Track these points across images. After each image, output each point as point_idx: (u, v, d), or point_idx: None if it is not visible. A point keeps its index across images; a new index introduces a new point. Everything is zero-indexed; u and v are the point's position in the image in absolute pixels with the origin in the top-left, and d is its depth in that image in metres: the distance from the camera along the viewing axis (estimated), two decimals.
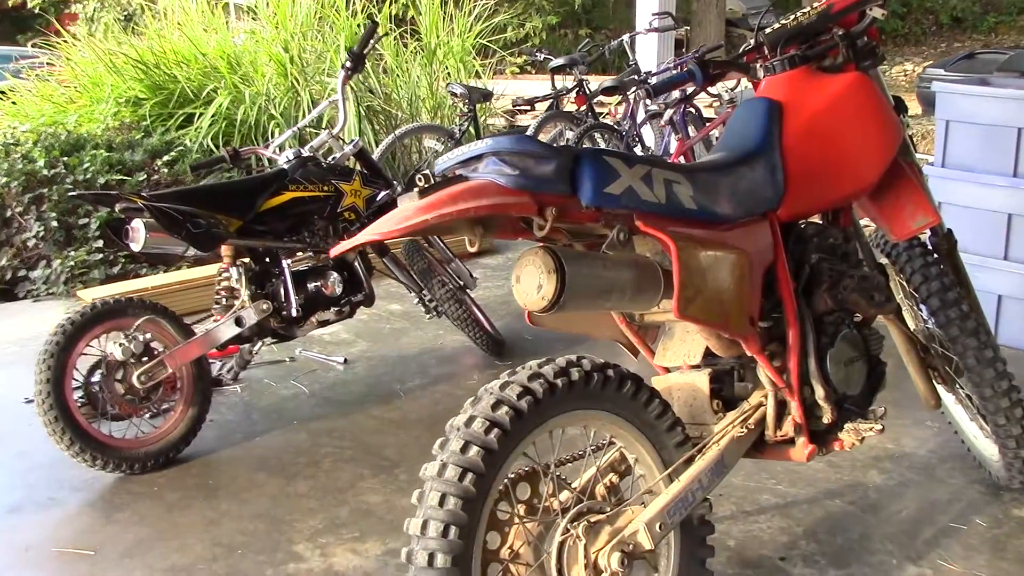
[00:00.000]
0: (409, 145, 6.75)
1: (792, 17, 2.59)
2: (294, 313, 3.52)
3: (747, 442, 2.27)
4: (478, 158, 1.89)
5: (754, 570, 2.64)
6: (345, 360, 4.23)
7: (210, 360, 3.62)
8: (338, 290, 3.65)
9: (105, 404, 3.21)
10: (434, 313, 4.03)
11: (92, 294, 4.64)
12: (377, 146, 6.16)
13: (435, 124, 6.83)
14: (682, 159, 5.92)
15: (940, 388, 3.03)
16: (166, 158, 5.82)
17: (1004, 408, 2.74)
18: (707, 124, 6.18)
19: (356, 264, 3.76)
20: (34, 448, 3.37)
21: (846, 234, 2.54)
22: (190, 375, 3.36)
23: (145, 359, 3.25)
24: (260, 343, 3.68)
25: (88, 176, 5.48)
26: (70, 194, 5.00)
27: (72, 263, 5.13)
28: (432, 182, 1.83)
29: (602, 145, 6.34)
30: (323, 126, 5.51)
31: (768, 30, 2.59)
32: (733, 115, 2.54)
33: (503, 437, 1.87)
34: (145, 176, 5.65)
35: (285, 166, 3.69)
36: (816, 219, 2.57)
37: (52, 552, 2.80)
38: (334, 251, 2.03)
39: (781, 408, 2.31)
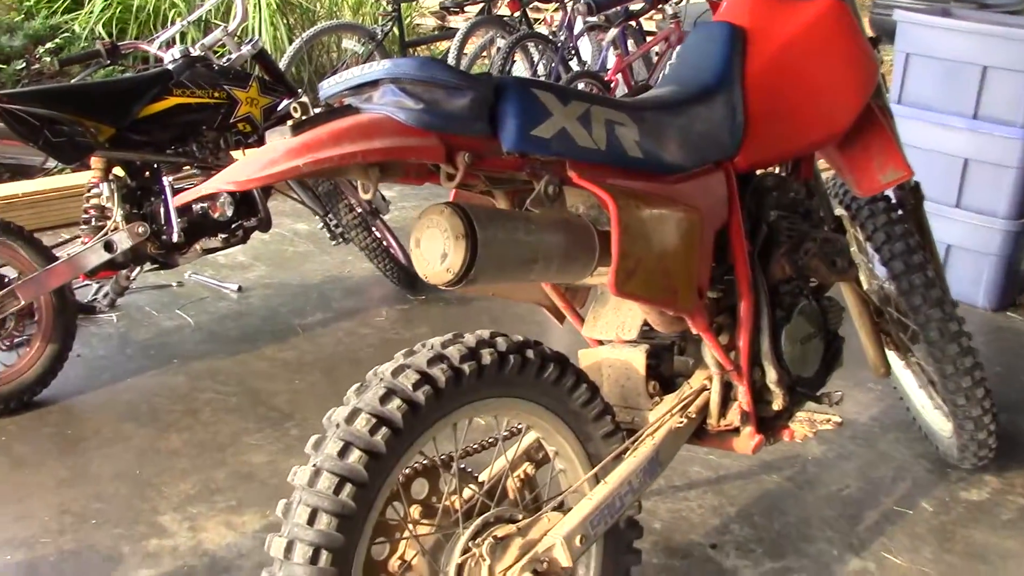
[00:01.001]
0: (326, 44, 6.20)
1: None
2: (175, 239, 3.07)
3: (686, 434, 1.95)
4: (373, 85, 1.48)
5: (682, 559, 2.35)
6: (239, 288, 3.80)
7: (84, 282, 3.17)
8: (228, 213, 3.20)
9: None
10: (340, 240, 3.62)
11: None
12: (291, 45, 5.62)
13: (355, 23, 6.28)
14: (620, 77, 5.52)
15: (890, 354, 2.76)
16: (49, 45, 5.20)
17: (965, 388, 2.46)
18: (648, 40, 5.77)
19: None
20: None
21: (808, 187, 2.20)
22: (49, 305, 2.92)
23: None
24: (138, 269, 3.23)
25: None
26: None
27: None
28: (309, 113, 1.42)
29: (535, 57, 5.89)
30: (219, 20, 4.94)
31: None
32: (686, 42, 2.16)
33: (393, 438, 1.50)
34: (24, 65, 5.05)
35: (170, 66, 3.20)
36: (774, 169, 2.23)
37: None
38: (176, 200, 1.60)
39: (726, 392, 1.98)
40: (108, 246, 2.97)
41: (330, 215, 3.57)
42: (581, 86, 5.55)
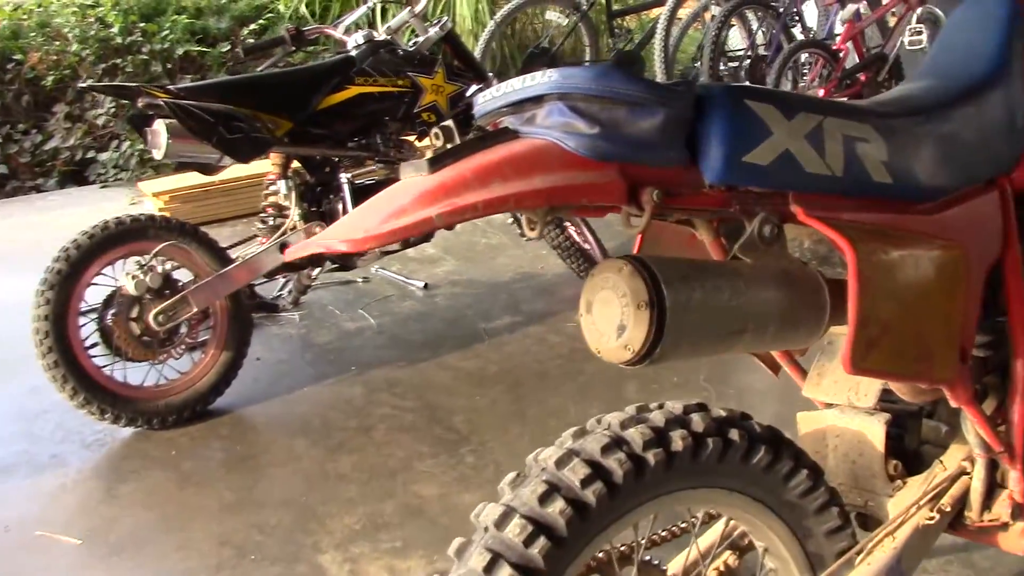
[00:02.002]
0: (529, 18, 5.91)
1: None
2: None
3: (938, 532, 1.52)
4: (536, 101, 1.15)
5: None
6: (425, 285, 3.59)
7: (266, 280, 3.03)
8: None
9: (120, 345, 2.66)
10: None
11: (153, 187, 4.11)
12: (492, 18, 5.35)
13: None
14: (850, 46, 4.93)
15: None
16: (253, 27, 5.16)
17: None
18: (884, 3, 5.12)
19: None
20: (50, 385, 2.86)
21: None
22: (225, 311, 2.78)
23: (167, 292, 2.67)
24: (318, 269, 3.06)
25: (166, 45, 4.89)
26: (79, 86, 4.36)
27: (142, 146, 4.60)
28: (453, 140, 1.11)
29: (753, 25, 5.35)
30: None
31: None
32: (950, 21, 1.69)
33: (552, 550, 1.18)
34: (229, 47, 5.03)
35: (353, 53, 2.99)
36: None
37: (33, 536, 2.30)
38: (287, 254, 1.32)
39: (991, 477, 1.54)
40: (284, 248, 2.80)
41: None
42: (804, 57, 5.01)
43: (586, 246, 3.41)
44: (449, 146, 1.11)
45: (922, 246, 1.33)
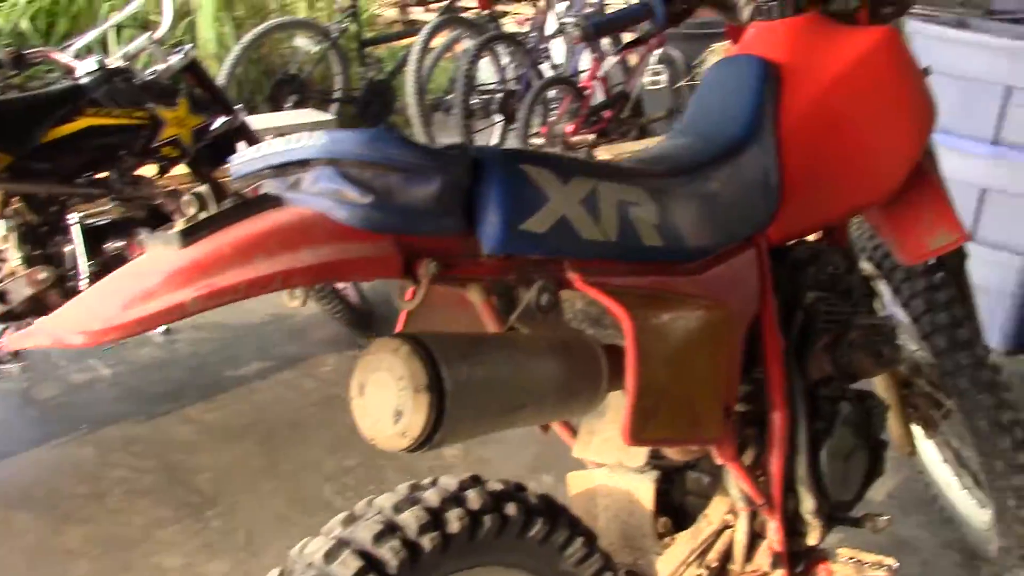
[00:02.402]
0: (276, 44, 5.71)
1: None
2: (83, 286, 2.61)
3: None
4: (302, 164, 1.04)
5: None
6: (166, 330, 3.33)
7: None
8: None
9: None
10: None
11: None
12: (237, 43, 5.13)
13: (307, 20, 5.79)
14: (597, 84, 5.10)
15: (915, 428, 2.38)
16: None
17: (1017, 487, 2.07)
18: (627, 44, 5.33)
19: (176, 215, 2.85)
20: None
21: (848, 258, 1.78)
22: None
23: None
24: (43, 316, 2.76)
25: None
26: None
27: None
28: (208, 209, 0.99)
29: (503, 60, 5.43)
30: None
31: None
32: (705, 80, 1.73)
33: None
34: None
35: (83, 81, 2.73)
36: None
37: None
38: (8, 343, 1.13)
39: (752, 528, 1.58)
40: (2, 296, 2.50)
41: None
42: (553, 93, 5.13)
43: (341, 286, 3.29)
44: (204, 215, 0.99)
45: (690, 307, 1.34)
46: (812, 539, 1.61)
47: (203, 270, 0.93)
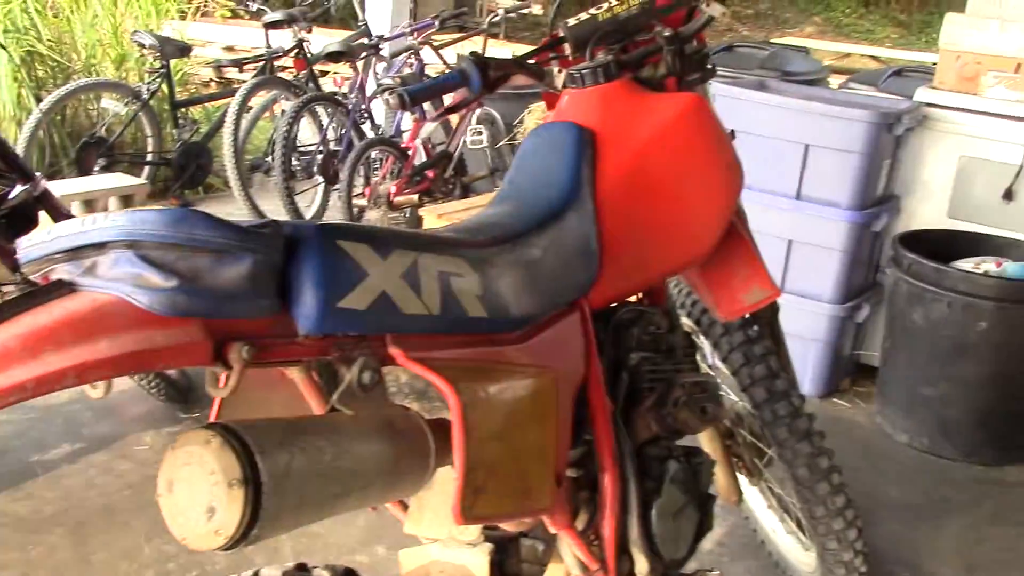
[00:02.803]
0: (83, 104, 5.46)
1: (604, 6, 1.83)
2: None
3: None
4: (99, 247, 0.97)
5: None
6: None
7: None
8: None
9: None
10: None
11: None
12: (38, 105, 4.88)
13: (116, 81, 5.57)
14: (419, 145, 5.11)
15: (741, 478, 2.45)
16: None
17: (837, 530, 2.15)
18: (447, 108, 5.38)
19: None
20: None
21: (669, 317, 1.82)
22: None
23: None
24: None
25: None
26: None
27: None
28: None
29: (324, 120, 5.37)
30: None
31: (572, 21, 1.82)
32: (523, 147, 1.75)
33: None
34: None
35: None
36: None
37: None
38: None
39: None
40: None
41: None
42: (375, 154, 5.11)
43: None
44: None
45: (517, 377, 1.32)
46: None
47: None
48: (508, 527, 1.47)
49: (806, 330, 3.66)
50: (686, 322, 2.33)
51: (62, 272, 0.98)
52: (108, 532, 2.54)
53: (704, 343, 2.32)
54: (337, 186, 5.03)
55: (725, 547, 2.74)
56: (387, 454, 1.12)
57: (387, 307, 1.13)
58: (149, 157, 5.39)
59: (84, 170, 4.98)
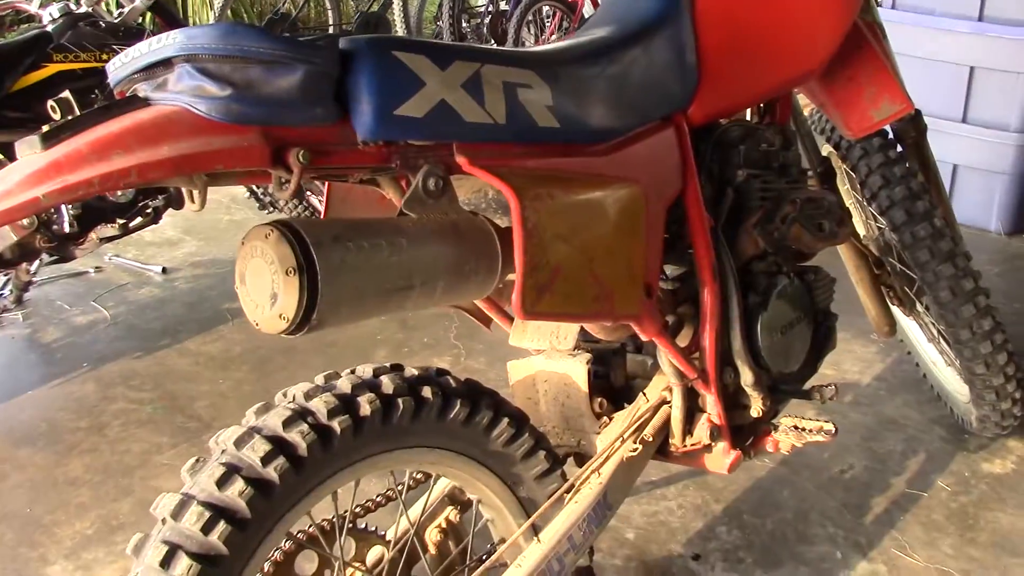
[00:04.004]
0: None
1: None
2: (67, 229, 2.68)
3: (643, 463, 1.57)
4: (166, 65, 1.07)
5: None
6: (164, 269, 3.41)
7: None
8: (128, 194, 2.80)
9: None
10: (270, 208, 3.23)
11: None
12: None
13: None
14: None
15: (895, 309, 2.38)
16: None
17: (984, 354, 2.08)
18: None
19: None
20: None
21: (784, 134, 1.78)
22: None
23: None
24: (37, 263, 2.85)
25: None
26: None
27: None
28: (72, 113, 1.03)
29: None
30: None
31: None
32: None
33: (235, 534, 1.13)
34: None
35: (49, 28, 2.77)
36: (744, 115, 1.82)
37: None
38: None
39: (691, 403, 1.61)
40: None
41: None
42: (546, 10, 5.08)
43: (320, 205, 3.33)
44: (57, 124, 1.03)
45: (595, 187, 1.35)
46: (755, 411, 1.63)
47: (60, 168, 0.96)
48: (600, 336, 1.52)
49: (992, 163, 3.44)
50: (826, 147, 2.26)
51: (139, 88, 1.09)
52: (288, 368, 2.78)
53: (848, 173, 2.25)
54: (506, 45, 5.05)
55: (884, 381, 2.69)
56: (449, 254, 1.19)
57: (447, 115, 1.18)
58: (330, 29, 5.58)
59: None
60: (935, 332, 2.51)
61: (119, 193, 2.78)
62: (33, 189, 0.95)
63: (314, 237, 1.06)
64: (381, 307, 1.15)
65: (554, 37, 4.89)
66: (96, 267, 3.43)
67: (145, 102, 1.07)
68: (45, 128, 1.01)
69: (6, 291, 3.03)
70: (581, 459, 1.63)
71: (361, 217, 1.20)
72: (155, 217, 2.91)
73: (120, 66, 1.11)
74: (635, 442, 1.53)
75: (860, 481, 2.27)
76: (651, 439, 1.55)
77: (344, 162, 1.15)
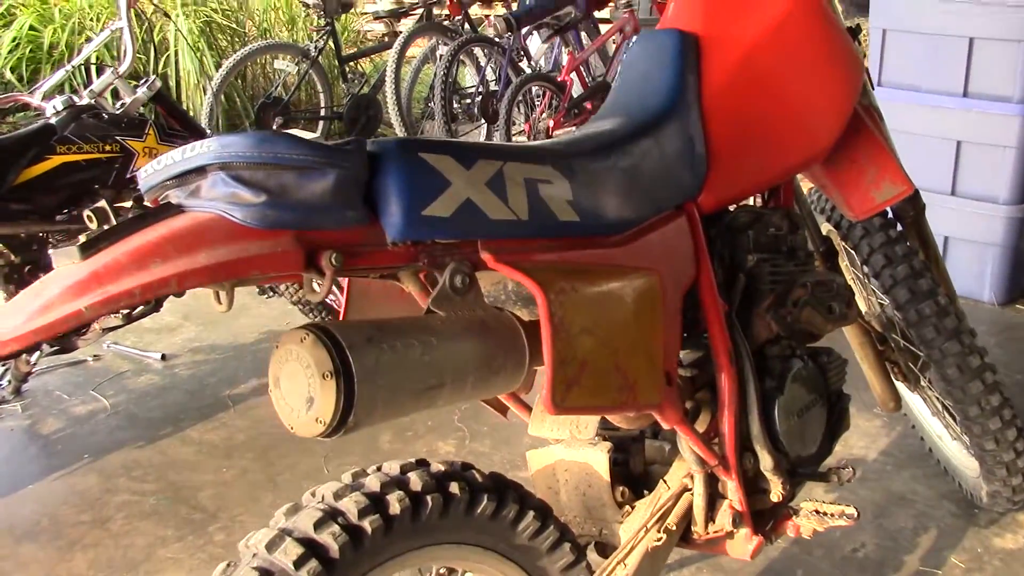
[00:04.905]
0: (260, 68, 5.79)
1: None
2: None
3: (667, 551, 1.56)
4: (199, 172, 1.09)
5: None
6: (163, 356, 3.40)
7: None
8: None
9: None
10: (269, 292, 3.23)
11: None
12: (218, 71, 5.21)
13: (285, 42, 5.86)
14: (574, 76, 5.13)
15: (898, 383, 2.39)
16: None
17: (994, 431, 2.09)
18: (601, 33, 5.37)
19: None
20: None
21: (791, 218, 1.81)
22: None
23: None
24: (36, 354, 2.83)
25: None
26: None
27: None
28: (108, 222, 1.04)
29: (481, 62, 5.47)
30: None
31: None
32: (627, 57, 1.76)
33: None
34: None
35: (52, 120, 2.80)
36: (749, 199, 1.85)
37: None
38: None
39: (712, 489, 1.60)
40: None
41: None
42: (535, 90, 5.17)
43: (330, 299, 3.34)
44: (96, 235, 1.04)
45: (616, 278, 1.37)
46: (775, 496, 1.63)
47: (100, 279, 0.97)
48: (622, 425, 1.52)
49: (983, 235, 3.49)
50: (825, 226, 2.29)
51: (173, 196, 1.11)
52: (292, 456, 2.76)
53: (848, 251, 2.28)
54: (497, 125, 5.14)
55: (890, 456, 2.70)
56: (479, 351, 1.19)
57: (473, 213, 1.20)
58: (322, 112, 5.66)
59: (263, 129, 5.30)
60: (939, 406, 2.52)
61: None
62: (75, 301, 0.96)
63: (349, 340, 1.07)
64: (413, 406, 1.15)
65: (544, 115, 4.97)
66: (95, 355, 3.41)
67: (179, 209, 1.08)
68: (83, 238, 1.02)
69: (4, 382, 3.01)
70: (602, 548, 1.62)
71: (391, 317, 1.21)
72: (156, 305, 2.91)
73: (152, 173, 1.13)
74: (659, 531, 1.52)
75: (873, 560, 2.26)
76: (674, 528, 1.55)
77: (373, 263, 1.16)
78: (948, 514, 2.43)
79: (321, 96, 5.64)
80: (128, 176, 2.83)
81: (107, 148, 2.79)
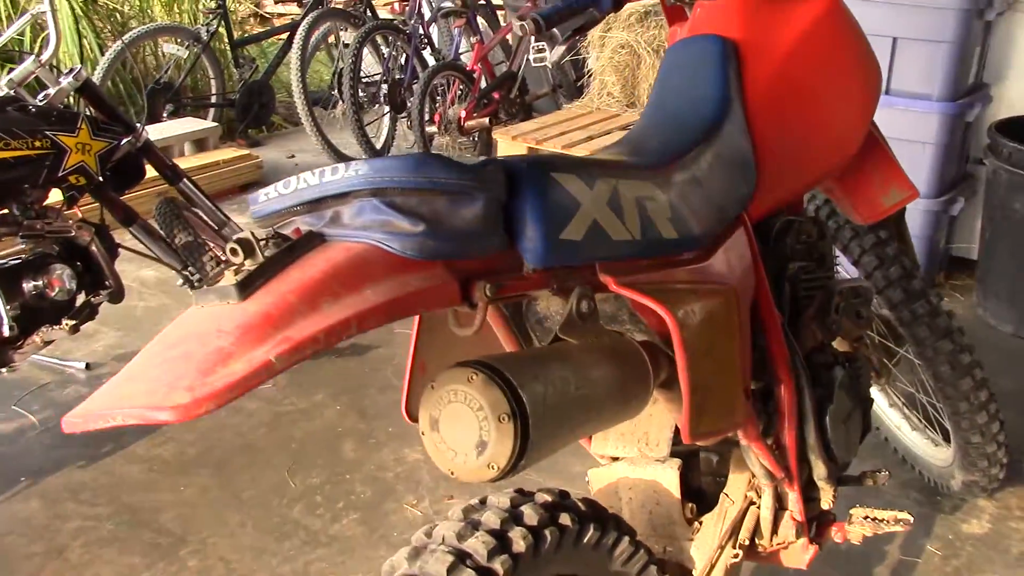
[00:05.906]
0: (140, 54, 5.46)
1: None
2: (5, 332, 2.45)
3: (739, 568, 1.55)
4: (339, 197, 0.99)
5: None
6: (87, 365, 3.17)
7: None
8: (70, 286, 2.59)
9: None
10: (196, 284, 3.04)
11: None
12: (103, 55, 4.89)
13: (175, 24, 5.55)
14: (482, 66, 5.06)
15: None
16: None
17: (981, 424, 2.17)
18: (497, 19, 5.32)
19: (92, 246, 2.70)
20: None
21: (818, 224, 1.82)
22: None
23: None
24: None
25: None
26: None
27: None
28: (257, 256, 0.93)
29: (384, 50, 5.33)
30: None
31: None
32: (666, 64, 1.73)
33: None
34: None
35: None
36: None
37: None
38: (69, 427, 1.03)
39: (778, 501, 1.60)
40: None
41: (190, 268, 2.98)
42: (439, 80, 5.06)
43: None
44: (248, 263, 0.93)
45: (707, 295, 1.34)
46: (825, 503, 1.65)
47: (275, 323, 0.87)
48: (702, 443, 1.49)
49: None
50: None
51: (302, 224, 1.01)
52: (250, 469, 2.62)
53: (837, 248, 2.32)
54: (403, 115, 5.02)
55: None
56: (615, 379, 1.15)
57: (598, 235, 1.15)
58: (213, 99, 5.40)
59: (153, 117, 5.01)
60: (898, 399, 2.61)
61: (57, 289, 2.57)
62: (257, 350, 0.85)
63: (519, 378, 1.00)
64: (565, 441, 1.09)
65: (454, 106, 4.88)
66: (8, 367, 3.14)
67: (321, 238, 0.99)
68: (237, 277, 0.91)
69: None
70: (665, 565, 1.59)
71: (537, 350, 1.15)
72: (92, 314, 2.71)
73: (276, 197, 1.03)
74: (734, 547, 1.51)
75: (858, 552, 2.31)
76: (747, 543, 1.54)
77: (516, 290, 1.09)
78: (913, 502, 2.51)
79: (212, 82, 5.38)
80: (60, 175, 2.61)
81: (36, 144, 2.56)
